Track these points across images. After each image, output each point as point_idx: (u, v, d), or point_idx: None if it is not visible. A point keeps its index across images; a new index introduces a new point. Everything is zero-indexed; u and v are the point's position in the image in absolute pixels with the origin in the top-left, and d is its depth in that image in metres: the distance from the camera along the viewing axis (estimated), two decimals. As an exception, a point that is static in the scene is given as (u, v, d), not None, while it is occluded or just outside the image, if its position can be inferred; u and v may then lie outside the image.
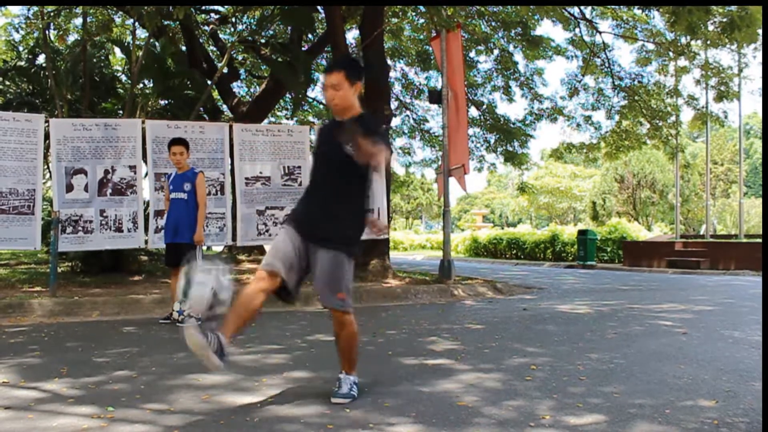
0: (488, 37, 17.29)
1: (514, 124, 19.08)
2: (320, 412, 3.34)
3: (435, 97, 11.55)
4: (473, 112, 18.89)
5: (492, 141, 19.64)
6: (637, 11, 15.12)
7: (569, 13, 15.70)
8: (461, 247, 29.67)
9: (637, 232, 23.90)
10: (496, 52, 17.90)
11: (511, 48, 17.62)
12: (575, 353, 5.03)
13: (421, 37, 17.92)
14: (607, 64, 17.53)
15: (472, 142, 19.32)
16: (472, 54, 18.11)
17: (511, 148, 19.22)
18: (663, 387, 3.89)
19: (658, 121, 18.21)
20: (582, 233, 20.87)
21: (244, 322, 3.45)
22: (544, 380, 4.08)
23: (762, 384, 3.99)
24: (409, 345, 5.46)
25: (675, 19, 10.16)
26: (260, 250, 17.05)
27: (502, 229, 36.07)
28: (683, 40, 15.59)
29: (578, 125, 19.51)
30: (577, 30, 16.66)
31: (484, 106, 19.31)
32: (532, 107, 19.12)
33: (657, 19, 15.65)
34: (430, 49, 16.18)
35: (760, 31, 10.37)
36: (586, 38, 16.94)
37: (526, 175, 26.82)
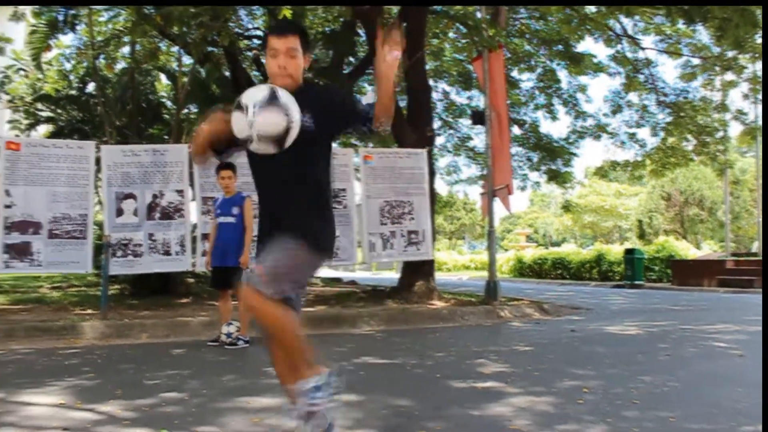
0: (530, 55, 17.24)
1: (557, 142, 18.94)
2: (371, 436, 3.33)
3: (478, 118, 11.54)
4: (516, 130, 18.81)
5: (535, 160, 19.52)
6: (681, 26, 14.93)
7: (611, 29, 15.58)
8: (505, 268, 29.41)
9: (686, 250, 23.40)
10: (538, 69, 17.84)
11: (553, 65, 17.53)
12: (627, 376, 4.92)
13: (462, 57, 17.94)
14: (650, 80, 17.31)
15: (515, 161, 19.20)
16: (515, 73, 18.06)
17: (554, 167, 19.06)
18: (721, 411, 3.78)
19: (705, 137, 17.88)
20: (629, 252, 20.51)
21: None
22: (596, 404, 4.00)
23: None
24: (458, 367, 5.41)
25: (722, 33, 10.00)
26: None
27: (546, 248, 35.67)
28: (730, 54, 15.32)
29: (622, 143, 19.29)
30: (619, 46, 16.52)
31: (527, 125, 19.21)
32: (575, 125, 18.95)
33: (702, 33, 15.43)
34: (472, 68, 16.19)
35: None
36: (629, 54, 16.76)
37: (570, 194, 26.47)
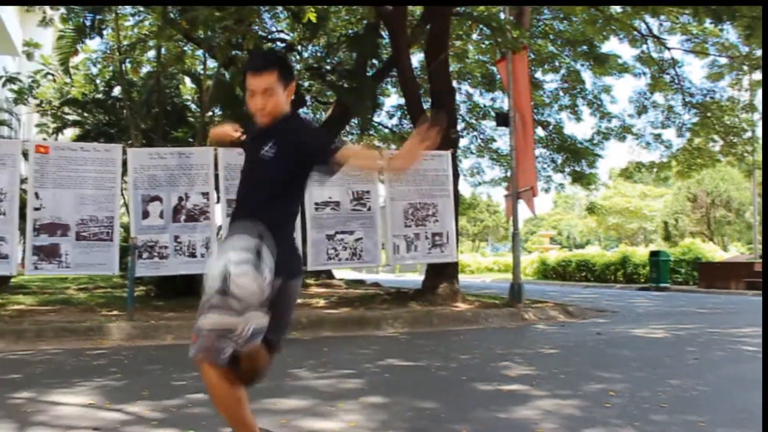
0: (554, 56, 17.16)
1: (581, 143, 18.83)
2: (398, 438, 3.33)
3: (502, 120, 11.50)
4: (539, 132, 18.74)
5: (559, 161, 19.43)
6: (708, 25, 14.77)
7: (636, 29, 15.46)
8: (529, 270, 29.26)
9: (713, 252, 23.12)
10: (562, 70, 17.75)
11: (577, 66, 17.44)
12: (654, 379, 4.87)
13: (486, 58, 17.90)
14: (676, 81, 17.15)
15: (539, 162, 19.11)
16: (538, 74, 18.00)
17: (578, 168, 18.97)
18: (751, 416, 3.72)
19: (732, 138, 17.69)
20: (654, 254, 20.30)
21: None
22: (623, 407, 3.96)
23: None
24: (483, 370, 5.39)
25: (750, 32, 9.88)
26: (328, 274, 17.18)
27: (570, 250, 35.44)
28: (758, 53, 15.12)
29: (648, 144, 19.17)
30: (644, 47, 16.39)
31: (551, 127, 19.11)
32: (600, 126, 18.84)
33: (730, 32, 15.25)
34: (495, 70, 16.14)
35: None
36: (654, 54, 16.63)
37: (594, 196, 26.26)
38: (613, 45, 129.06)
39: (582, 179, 19.04)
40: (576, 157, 18.67)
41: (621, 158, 52.68)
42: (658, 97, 18.25)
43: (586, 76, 18.02)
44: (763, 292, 9.34)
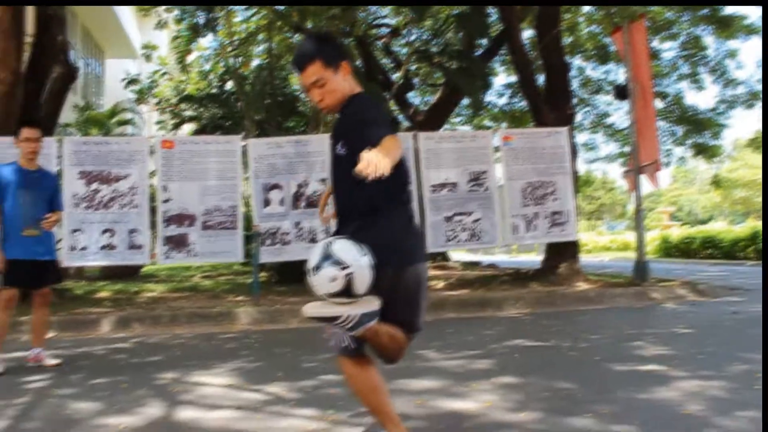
0: (672, 23, 16.30)
1: (703, 114, 17.88)
2: (538, 419, 3.25)
3: (621, 92, 11.01)
4: (657, 104, 17.90)
5: (679, 134, 18.53)
6: None
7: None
8: (650, 247, 28.05)
9: None
10: (681, 37, 16.85)
11: (698, 31, 16.47)
12: (805, 360, 4.54)
13: (598, 30, 17.25)
14: (813, 39, 15.91)
15: (658, 135, 18.32)
16: (655, 42, 17.15)
17: (701, 140, 18.02)
18: None
19: None
20: (790, 228, 18.97)
21: None
22: (775, 390, 3.71)
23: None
24: (615, 350, 5.20)
25: None
26: (443, 256, 17.16)
27: (692, 227, 33.78)
28: None
29: (780, 110, 17.92)
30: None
31: (670, 98, 18.22)
32: (725, 94, 17.78)
33: None
34: (609, 41, 15.52)
35: None
36: (787, 11, 15.47)
37: (717, 168, 24.94)
38: (737, 5, 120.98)
39: (705, 152, 18.11)
40: (698, 129, 17.76)
41: (748, 128, 49.17)
42: (791, 58, 17.01)
43: (709, 41, 17.01)
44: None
